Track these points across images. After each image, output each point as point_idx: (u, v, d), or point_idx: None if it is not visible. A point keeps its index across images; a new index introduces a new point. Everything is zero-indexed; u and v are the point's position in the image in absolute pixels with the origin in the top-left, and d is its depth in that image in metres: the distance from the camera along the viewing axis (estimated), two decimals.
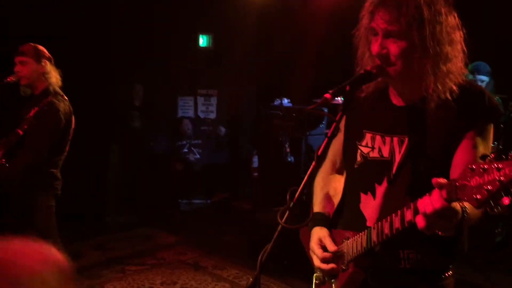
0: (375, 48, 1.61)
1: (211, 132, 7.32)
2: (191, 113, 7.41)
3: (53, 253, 1.06)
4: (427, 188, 1.34)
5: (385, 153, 1.67)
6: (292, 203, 1.65)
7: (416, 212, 1.38)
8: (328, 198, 1.90)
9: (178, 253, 5.09)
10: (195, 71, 7.19)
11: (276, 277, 4.50)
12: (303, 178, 1.64)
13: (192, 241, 5.41)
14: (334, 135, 1.69)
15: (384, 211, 1.60)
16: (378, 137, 1.70)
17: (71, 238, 4.66)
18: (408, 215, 1.41)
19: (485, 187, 1.13)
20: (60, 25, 5.09)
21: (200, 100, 7.46)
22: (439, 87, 1.56)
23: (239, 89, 7.31)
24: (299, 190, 1.68)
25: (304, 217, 1.68)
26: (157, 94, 6.87)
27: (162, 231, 5.76)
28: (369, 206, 1.68)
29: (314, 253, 1.78)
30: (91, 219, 5.56)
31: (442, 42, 1.56)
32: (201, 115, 7.41)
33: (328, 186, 1.92)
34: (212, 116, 7.45)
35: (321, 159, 1.63)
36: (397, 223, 1.46)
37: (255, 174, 6.64)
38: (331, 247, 1.73)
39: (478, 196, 1.15)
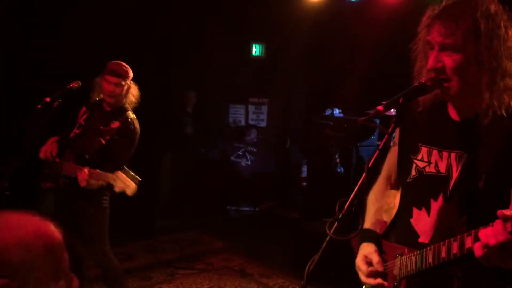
0: (430, 61, 1.59)
1: (262, 140, 7.36)
2: (242, 122, 7.49)
3: (48, 228, 1.10)
4: (484, 207, 1.33)
5: (442, 168, 1.62)
6: (341, 214, 1.65)
7: (476, 239, 1.35)
8: (379, 213, 1.88)
9: (225, 259, 5.15)
10: (247, 80, 7.27)
11: None
12: (352, 190, 1.64)
13: (240, 247, 5.46)
14: (386, 147, 1.68)
15: (439, 228, 1.57)
16: (435, 152, 1.66)
17: (122, 239, 4.83)
18: (469, 242, 1.38)
19: None
20: (119, 35, 5.30)
21: (251, 108, 7.52)
22: (495, 102, 1.51)
23: (290, 98, 7.33)
24: (348, 201, 1.68)
25: (353, 229, 1.68)
26: (210, 102, 6.99)
27: (210, 236, 5.84)
28: (423, 222, 1.64)
29: (360, 269, 1.77)
30: (142, 222, 5.72)
31: (499, 56, 1.51)
32: (252, 123, 7.46)
33: (381, 201, 1.90)
34: (263, 124, 7.49)
35: (372, 172, 1.61)
36: (455, 249, 1.42)
37: (304, 183, 6.62)
38: (377, 265, 1.72)
39: None
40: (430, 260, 1.52)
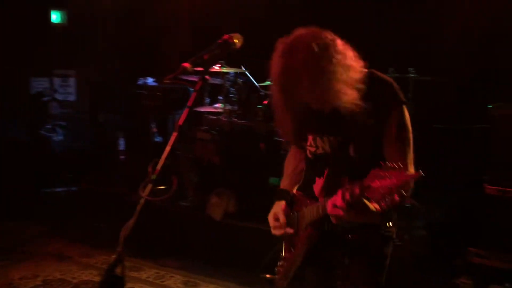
0: None
1: (72, 115, 6.89)
2: (48, 95, 6.89)
3: None
4: (359, 169, 1.68)
5: (326, 149, 2.02)
6: (154, 176, 1.63)
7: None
8: (294, 174, 2.26)
9: (42, 245, 4.76)
10: (48, 50, 6.66)
11: (148, 259, 4.44)
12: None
13: (58, 230, 5.12)
14: (194, 105, 1.72)
15: (330, 188, 1.90)
16: (318, 138, 2.04)
17: None
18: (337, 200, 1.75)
19: (381, 191, 1.53)
20: None
21: (57, 81, 6.97)
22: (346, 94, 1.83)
23: (100, 68, 6.95)
24: (160, 162, 1.66)
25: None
26: (8, 76, 6.25)
27: (24, 223, 5.33)
28: (320, 186, 2.05)
29: (270, 223, 2.18)
30: None
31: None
32: (59, 97, 6.92)
33: (294, 163, 2.28)
34: (72, 98, 7.01)
35: (184, 130, 1.78)
36: (321, 211, 1.89)
37: (122, 157, 6.42)
38: (282, 221, 2.11)
39: (378, 195, 1.55)
40: (320, 211, 1.90)
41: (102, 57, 6.90)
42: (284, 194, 2.21)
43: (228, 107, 5.18)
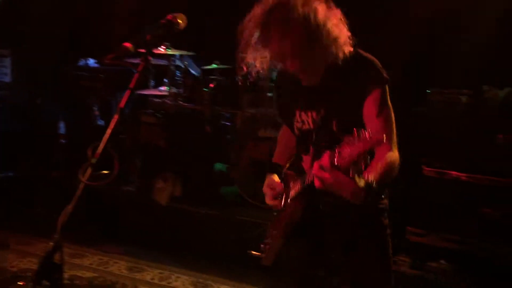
0: None
1: (7, 96, 6.54)
2: None
3: None
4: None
5: (311, 124, 2.05)
6: (94, 159, 1.57)
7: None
8: (285, 150, 2.33)
9: None
10: None
11: (92, 245, 4.34)
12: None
13: None
14: (137, 87, 1.69)
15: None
16: (303, 113, 2.07)
17: None
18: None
19: (350, 156, 1.53)
20: None
21: None
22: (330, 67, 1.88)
23: (38, 48, 6.62)
24: (101, 145, 1.61)
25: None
26: None
27: None
28: (307, 161, 2.10)
29: (266, 194, 2.22)
30: None
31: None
32: None
33: (284, 140, 2.34)
34: (7, 79, 6.65)
35: (126, 112, 1.71)
36: (310, 177, 1.86)
37: (63, 140, 6.18)
38: (278, 187, 2.18)
39: (345, 162, 1.56)
40: (309, 177, 1.89)
41: (39, 36, 6.57)
42: (276, 168, 2.27)
43: (174, 90, 5.10)
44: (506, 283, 3.48)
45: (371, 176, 1.61)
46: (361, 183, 1.60)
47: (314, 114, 2.02)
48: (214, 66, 5.43)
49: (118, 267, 4.03)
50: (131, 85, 1.68)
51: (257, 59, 1.97)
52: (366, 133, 1.49)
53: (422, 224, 3.73)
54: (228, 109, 5.09)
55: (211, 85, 4.97)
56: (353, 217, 2.00)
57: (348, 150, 1.52)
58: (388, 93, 1.93)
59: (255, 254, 2.25)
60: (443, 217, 3.67)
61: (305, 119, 2.06)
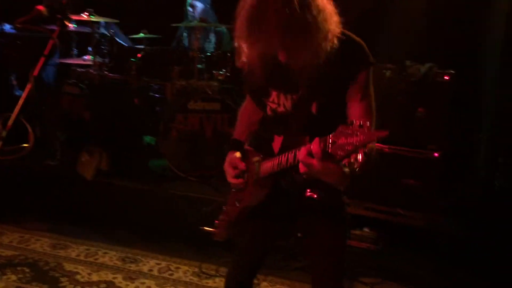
0: None
1: None
2: None
3: None
4: (320, 127, 1.65)
5: (288, 106, 1.99)
6: (4, 132, 1.47)
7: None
8: (245, 126, 2.25)
9: None
10: None
11: (11, 223, 4.14)
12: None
13: None
14: (51, 54, 1.58)
15: (289, 146, 1.87)
16: (281, 95, 2.00)
17: None
18: (300, 154, 1.71)
19: (347, 147, 1.48)
20: None
21: None
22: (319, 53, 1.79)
23: None
24: (12, 116, 1.50)
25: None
26: None
27: None
28: (279, 143, 2.01)
29: (227, 172, 2.15)
30: None
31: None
32: None
33: (245, 115, 2.27)
34: None
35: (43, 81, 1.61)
36: (291, 158, 1.82)
37: None
38: (241, 166, 2.10)
39: (341, 152, 1.51)
40: (291, 160, 1.83)
41: None
42: (238, 145, 2.21)
43: (99, 59, 4.88)
44: (426, 250, 3.71)
45: (357, 163, 1.57)
46: (347, 169, 1.62)
47: (294, 96, 1.97)
48: (141, 35, 5.24)
49: (41, 244, 3.87)
50: (46, 52, 1.57)
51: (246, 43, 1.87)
52: (362, 122, 1.48)
53: (347, 194, 3.87)
54: (157, 81, 4.96)
55: (139, 55, 4.80)
56: (323, 200, 2.02)
57: (344, 140, 1.50)
58: (371, 77, 1.92)
59: (207, 229, 2.24)
60: (367, 187, 3.82)
61: (282, 101, 2.01)
